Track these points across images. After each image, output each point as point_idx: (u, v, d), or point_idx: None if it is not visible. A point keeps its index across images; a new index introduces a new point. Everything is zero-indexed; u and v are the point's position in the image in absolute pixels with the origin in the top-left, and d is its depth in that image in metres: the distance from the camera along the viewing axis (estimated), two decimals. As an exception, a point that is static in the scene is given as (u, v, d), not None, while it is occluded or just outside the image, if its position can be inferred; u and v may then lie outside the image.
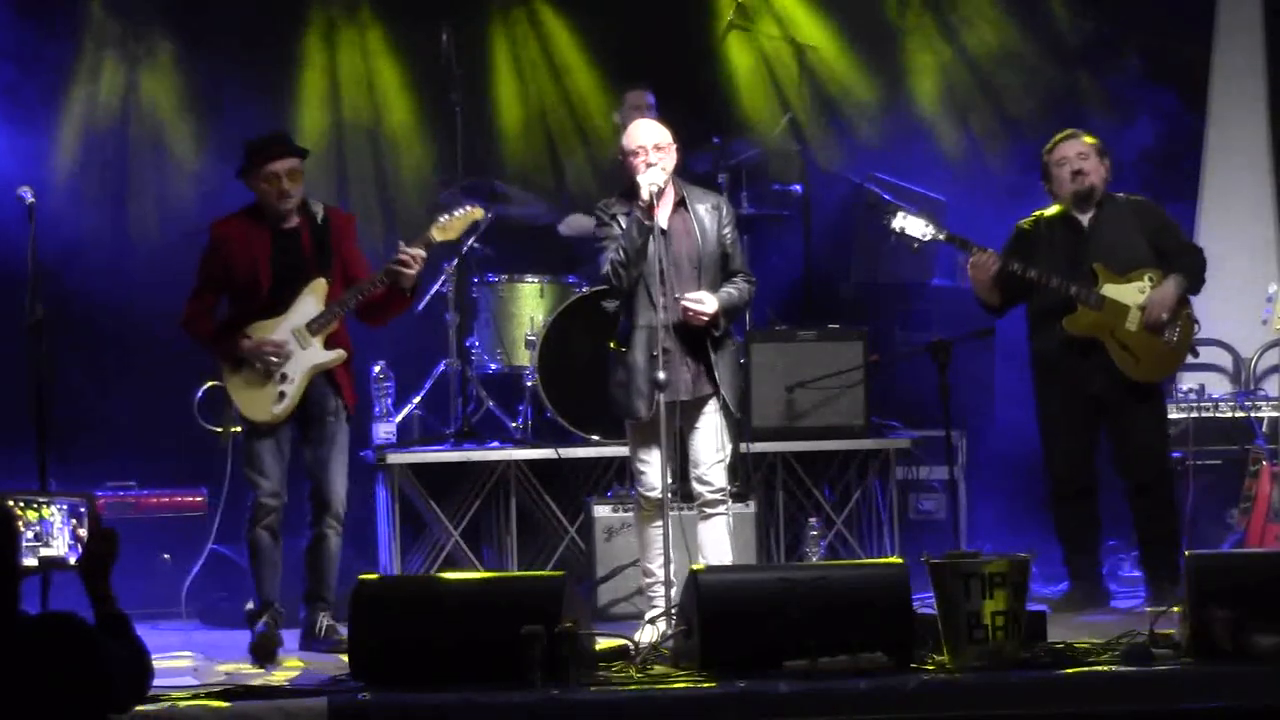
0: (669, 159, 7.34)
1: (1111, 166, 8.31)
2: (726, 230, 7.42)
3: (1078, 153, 8.22)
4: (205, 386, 7.89)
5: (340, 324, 7.64)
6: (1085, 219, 8.24)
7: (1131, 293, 8.14)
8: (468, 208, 7.77)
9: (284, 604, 7.77)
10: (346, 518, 9.00)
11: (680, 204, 7.40)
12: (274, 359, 7.48)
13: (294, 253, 7.56)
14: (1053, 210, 8.31)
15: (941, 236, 8.20)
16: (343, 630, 7.23)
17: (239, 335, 7.53)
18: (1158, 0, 10.33)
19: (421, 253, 7.54)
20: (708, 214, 7.40)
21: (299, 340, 7.54)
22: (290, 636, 7.77)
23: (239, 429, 7.72)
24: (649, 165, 7.28)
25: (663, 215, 7.35)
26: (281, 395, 7.52)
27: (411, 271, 7.52)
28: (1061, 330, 8.15)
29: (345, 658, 6.62)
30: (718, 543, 7.38)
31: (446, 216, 7.71)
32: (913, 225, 8.17)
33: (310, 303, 7.56)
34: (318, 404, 7.60)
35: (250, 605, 7.67)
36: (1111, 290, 8.12)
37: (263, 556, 7.62)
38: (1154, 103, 9.70)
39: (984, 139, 10.28)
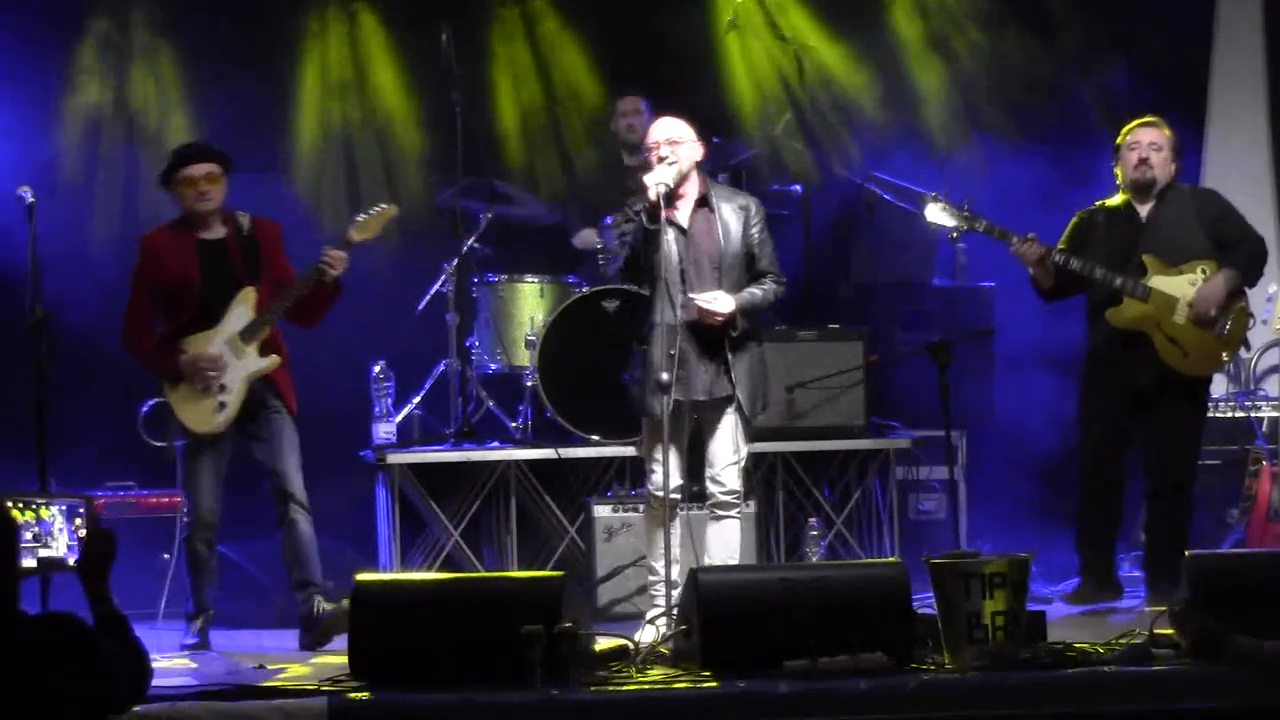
0: (685, 153, 7.26)
1: (1181, 167, 8.22)
2: (754, 231, 7.34)
3: (1150, 141, 8.12)
4: (151, 403, 7.99)
5: (275, 331, 7.75)
6: (1145, 210, 8.14)
7: (1182, 285, 8.02)
8: (383, 206, 7.91)
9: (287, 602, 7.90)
10: (346, 518, 9.04)
11: (703, 203, 7.34)
12: (210, 373, 7.59)
13: (222, 262, 7.68)
14: (1115, 200, 8.21)
15: (979, 227, 8.10)
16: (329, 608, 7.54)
17: (175, 351, 7.63)
18: (1158, 0, 10.32)
19: (343, 254, 7.69)
20: (734, 214, 7.32)
21: (233, 350, 7.64)
22: (289, 636, 7.80)
23: (184, 441, 7.80)
24: (659, 160, 7.23)
25: (684, 213, 7.32)
26: (222, 405, 7.64)
27: (335, 272, 7.67)
28: (1109, 322, 8.09)
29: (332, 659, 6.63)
30: (726, 546, 7.37)
31: (363, 216, 7.84)
32: (948, 216, 8.10)
33: (241, 312, 7.66)
34: (258, 406, 7.71)
35: (188, 609, 7.78)
36: (1160, 282, 8.02)
37: (200, 566, 7.75)
38: (1153, 103, 9.66)
39: (983, 139, 10.27)
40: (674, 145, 7.25)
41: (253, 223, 7.78)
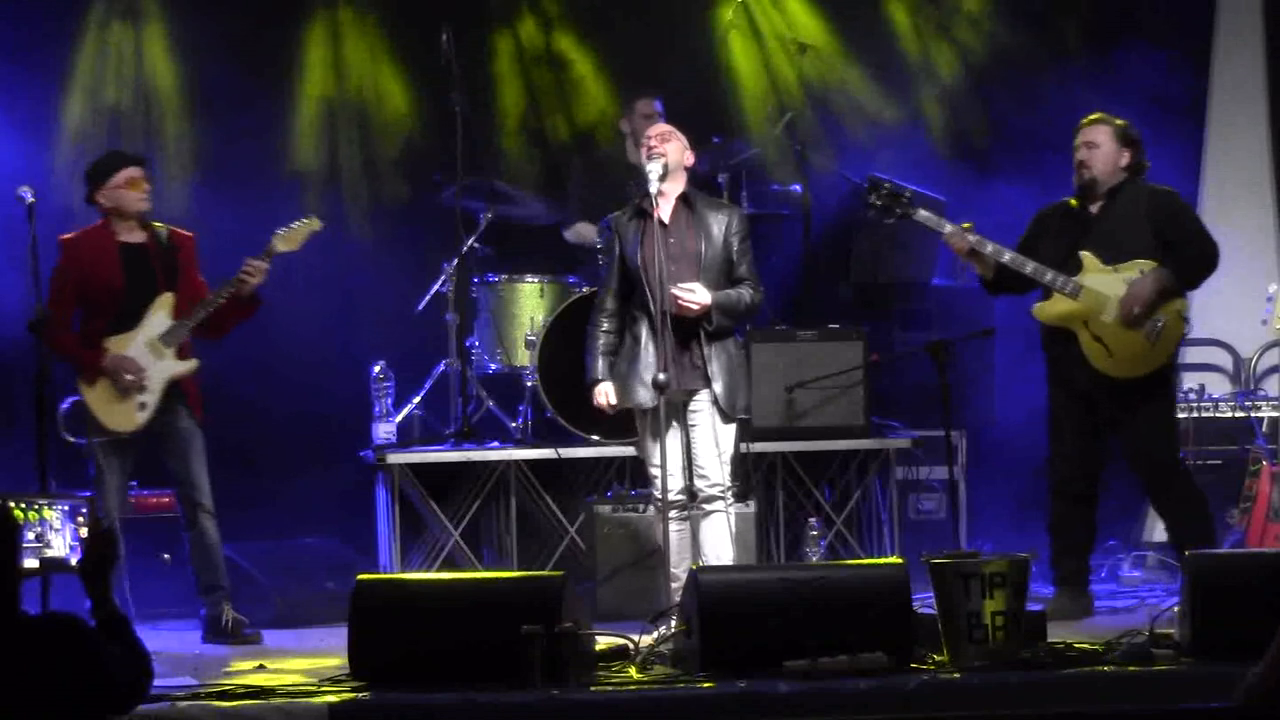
0: (672, 150, 7.40)
1: (1137, 153, 8.00)
2: (734, 238, 7.42)
3: (1086, 141, 7.97)
4: (70, 400, 8.05)
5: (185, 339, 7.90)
6: (1095, 207, 7.98)
7: (1116, 283, 7.82)
8: (305, 219, 8.05)
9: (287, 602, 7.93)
10: (346, 518, 9.04)
11: (685, 201, 7.43)
12: (130, 376, 7.75)
13: (143, 267, 7.86)
14: (1074, 198, 8.08)
15: (913, 215, 8.03)
16: (249, 625, 7.74)
17: (98, 350, 7.77)
18: (1157, 1, 10.32)
19: (265, 264, 7.85)
20: (715, 220, 7.43)
21: (153, 352, 7.81)
22: (290, 636, 7.79)
23: (99, 439, 7.90)
24: (650, 149, 7.41)
25: (665, 209, 7.42)
26: (143, 405, 7.82)
27: (254, 282, 7.82)
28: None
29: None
30: (717, 542, 7.38)
31: (286, 228, 7.98)
32: (886, 202, 8.07)
33: (161, 316, 7.84)
34: (169, 415, 7.86)
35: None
36: (1094, 280, 7.84)
37: None
38: (1153, 103, 9.68)
39: (983, 138, 10.26)
40: (664, 140, 7.42)
41: (169, 233, 7.95)
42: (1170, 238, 7.90)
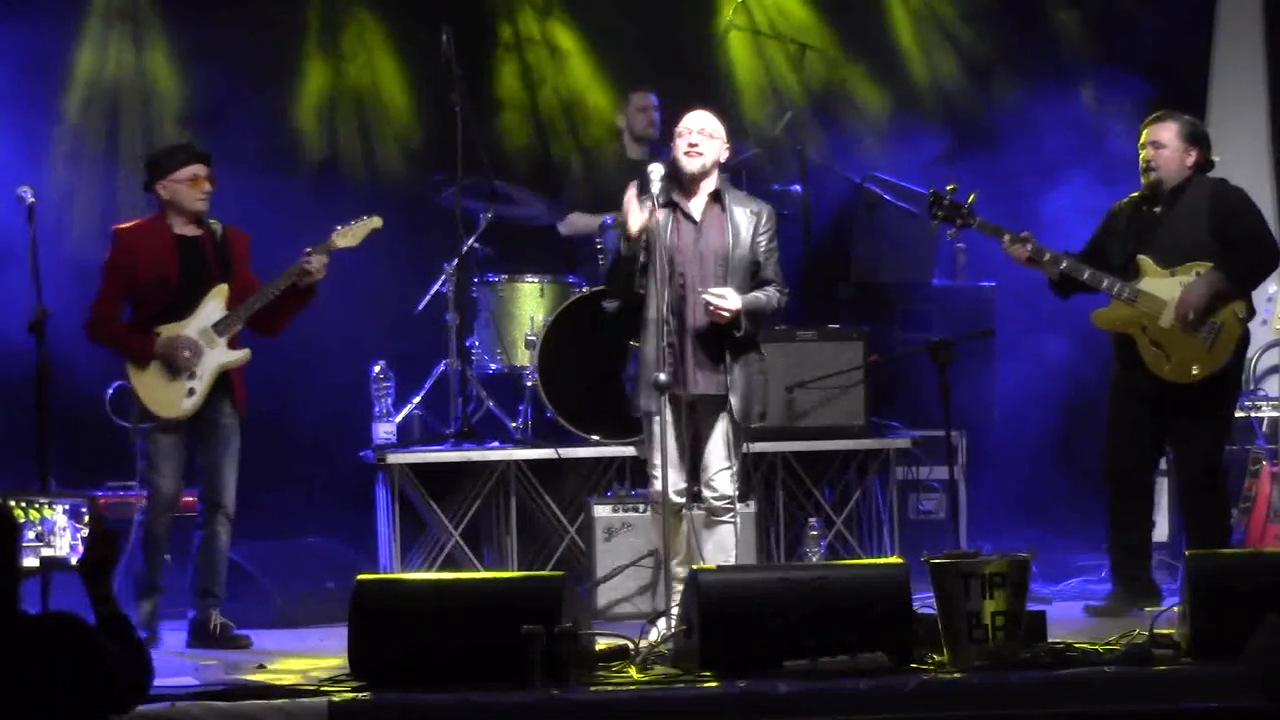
0: (712, 149, 7.34)
1: (1204, 151, 7.89)
2: (762, 237, 7.37)
3: (1151, 141, 7.87)
4: (115, 385, 8.02)
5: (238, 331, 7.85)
6: (1160, 207, 7.89)
7: (1172, 287, 7.76)
8: (368, 217, 8.01)
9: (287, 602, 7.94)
10: (346, 518, 9.03)
11: (716, 199, 7.38)
12: (186, 353, 7.68)
13: (198, 259, 7.79)
14: (1139, 194, 8.01)
15: (973, 224, 8.00)
16: (236, 629, 7.66)
17: (149, 335, 7.71)
18: (1158, 0, 10.33)
19: (325, 258, 7.81)
20: (745, 217, 7.37)
21: (206, 341, 7.74)
22: (290, 636, 7.78)
23: (145, 425, 7.84)
24: (691, 146, 7.30)
25: (697, 206, 7.37)
26: (191, 391, 7.73)
27: (314, 276, 7.78)
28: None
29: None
30: (722, 550, 7.37)
31: (347, 225, 7.94)
32: (948, 214, 8.02)
33: (214, 306, 7.77)
34: (213, 408, 7.79)
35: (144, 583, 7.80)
36: (1151, 284, 7.80)
37: (158, 547, 7.79)
38: (1154, 103, 9.68)
39: (983, 138, 10.27)
40: (704, 135, 7.35)
41: (224, 230, 7.90)
42: (1227, 238, 7.82)
